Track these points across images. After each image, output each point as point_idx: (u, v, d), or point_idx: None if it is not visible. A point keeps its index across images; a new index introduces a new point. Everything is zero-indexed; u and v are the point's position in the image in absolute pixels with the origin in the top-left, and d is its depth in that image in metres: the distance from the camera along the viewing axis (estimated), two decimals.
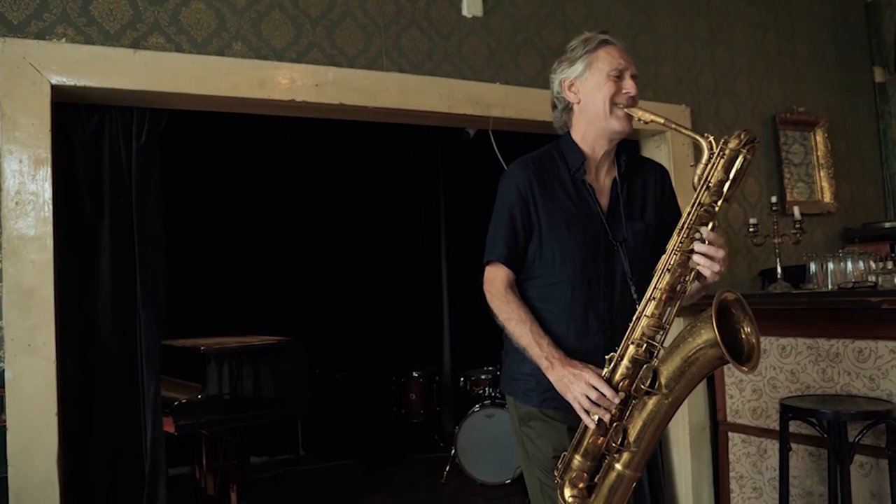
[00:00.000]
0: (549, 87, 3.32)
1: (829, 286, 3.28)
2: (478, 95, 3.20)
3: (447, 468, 4.74)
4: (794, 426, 2.88)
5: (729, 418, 3.48)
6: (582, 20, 3.51)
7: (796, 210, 3.57)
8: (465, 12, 3.24)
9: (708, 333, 1.70)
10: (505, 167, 3.33)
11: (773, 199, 3.60)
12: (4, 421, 2.30)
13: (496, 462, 4.57)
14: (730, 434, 3.49)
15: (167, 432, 3.45)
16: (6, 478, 2.28)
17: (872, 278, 3.17)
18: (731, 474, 3.48)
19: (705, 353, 1.72)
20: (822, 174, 4.32)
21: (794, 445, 3.05)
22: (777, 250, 3.56)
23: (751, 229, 3.57)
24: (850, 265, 3.29)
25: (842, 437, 2.66)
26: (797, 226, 3.51)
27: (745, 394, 3.40)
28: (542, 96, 3.32)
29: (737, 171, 1.82)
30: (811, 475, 3.12)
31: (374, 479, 5.04)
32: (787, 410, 2.81)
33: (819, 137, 4.34)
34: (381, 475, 5.16)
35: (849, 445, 2.65)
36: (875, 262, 3.27)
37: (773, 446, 3.24)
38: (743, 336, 1.79)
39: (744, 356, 1.76)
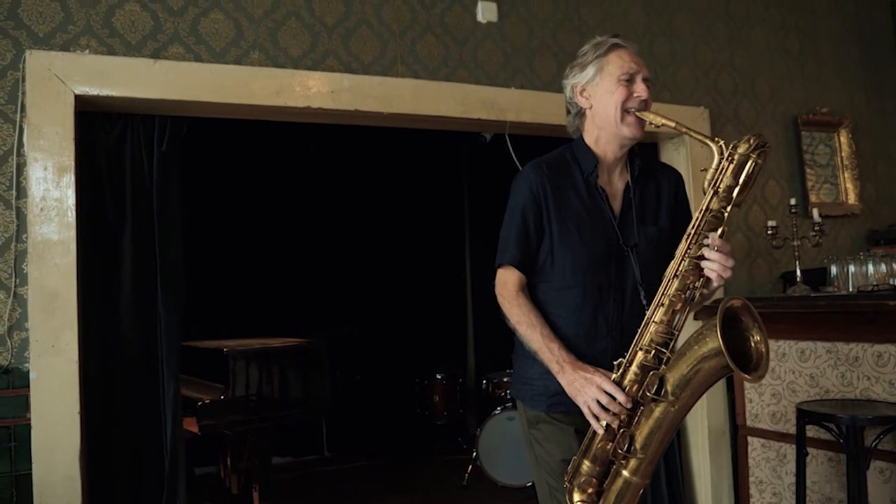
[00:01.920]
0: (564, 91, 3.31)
1: (850, 289, 3.23)
2: (493, 100, 3.22)
3: (468, 470, 4.76)
4: (813, 431, 2.85)
5: (748, 422, 3.45)
6: (598, 23, 3.51)
7: (815, 212, 3.53)
8: (480, 18, 3.27)
9: (713, 342, 1.68)
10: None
11: (793, 202, 3.56)
12: (29, 419, 2.39)
13: (517, 464, 4.57)
14: (749, 438, 3.46)
15: (191, 432, 3.54)
16: (31, 474, 2.37)
17: (894, 281, 3.12)
18: (751, 479, 3.45)
19: (710, 362, 1.70)
20: (846, 175, 4.25)
21: (813, 451, 3.02)
22: (796, 253, 3.52)
23: (769, 231, 3.53)
24: (871, 267, 3.24)
25: (858, 442, 2.62)
26: (816, 228, 3.47)
27: (765, 398, 3.37)
28: (557, 100, 3.31)
29: (746, 177, 1.78)
30: (830, 481, 3.08)
31: (398, 480, 5.08)
32: (804, 415, 2.78)
33: (843, 138, 4.27)
34: (404, 476, 5.20)
35: (865, 450, 2.62)
36: None
37: (792, 451, 3.20)
38: (752, 344, 1.75)
39: (751, 365, 1.73)
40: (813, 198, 4.11)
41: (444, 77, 3.18)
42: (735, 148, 1.80)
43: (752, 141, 1.79)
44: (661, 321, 1.80)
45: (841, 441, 2.66)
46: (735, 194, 1.80)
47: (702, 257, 1.79)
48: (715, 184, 1.81)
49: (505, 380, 5.03)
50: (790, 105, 4.13)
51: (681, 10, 3.80)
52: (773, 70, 4.09)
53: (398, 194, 6.17)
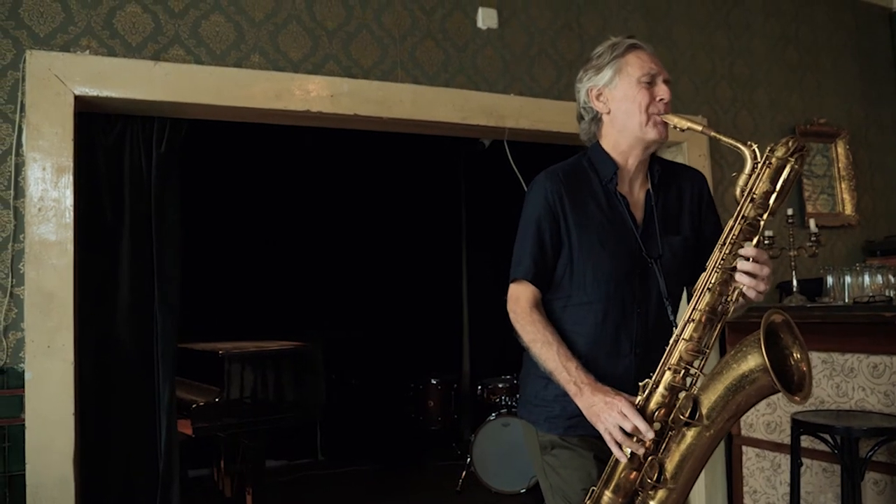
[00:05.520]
0: (563, 98, 3.33)
1: (846, 300, 3.24)
2: (492, 107, 3.22)
3: (462, 476, 4.76)
4: (808, 441, 2.85)
5: (743, 432, 3.46)
6: (598, 31, 3.52)
7: (812, 222, 3.54)
8: (481, 24, 3.27)
9: (756, 359, 1.56)
10: (520, 178, 3.37)
11: (790, 212, 3.57)
12: (23, 420, 2.38)
13: (511, 471, 4.56)
14: (744, 448, 3.46)
15: (185, 434, 3.53)
16: (24, 475, 2.36)
17: (890, 292, 3.13)
18: (745, 489, 3.45)
19: (752, 381, 1.58)
20: (843, 186, 4.27)
21: (807, 461, 3.02)
22: (793, 263, 3.53)
23: (766, 241, 3.54)
24: (867, 279, 3.25)
25: (853, 453, 2.63)
26: (813, 238, 3.48)
27: (759, 407, 3.37)
28: (556, 107, 3.36)
29: (784, 182, 1.68)
30: (825, 491, 3.09)
31: (391, 485, 5.08)
32: (799, 426, 2.78)
33: (841, 149, 4.29)
34: (398, 481, 5.19)
35: (860, 462, 2.62)
36: (894, 276, 3.22)
37: (787, 461, 3.20)
38: (792, 363, 1.63)
39: (794, 385, 1.60)
40: (809, 208, 4.13)
41: (444, 83, 3.18)
42: (772, 151, 1.70)
43: (790, 144, 1.69)
44: (692, 338, 1.67)
45: (836, 452, 2.66)
46: (772, 201, 1.69)
47: (735, 269, 1.66)
48: (750, 190, 1.70)
49: (500, 385, 5.02)
50: (788, 115, 4.14)
51: (681, 19, 3.81)
52: (771, 80, 4.10)
53: (395, 199, 6.16)
